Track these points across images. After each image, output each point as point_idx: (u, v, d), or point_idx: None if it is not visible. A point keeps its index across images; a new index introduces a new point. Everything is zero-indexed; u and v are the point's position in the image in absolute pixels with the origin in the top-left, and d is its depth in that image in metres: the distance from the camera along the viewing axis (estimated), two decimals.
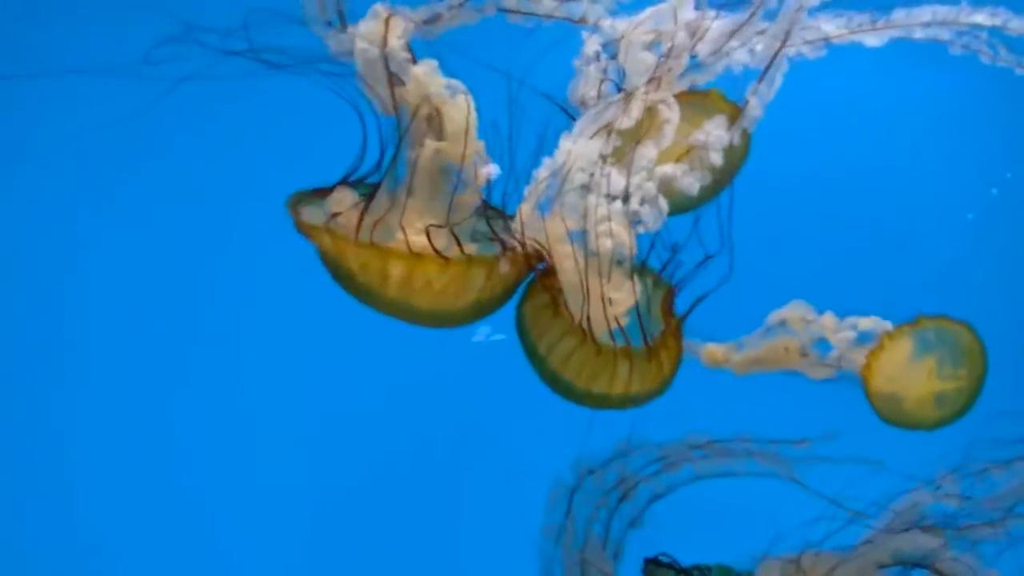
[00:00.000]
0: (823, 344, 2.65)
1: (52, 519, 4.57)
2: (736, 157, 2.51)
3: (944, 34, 2.44)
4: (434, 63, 2.30)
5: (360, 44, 2.27)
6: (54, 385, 4.56)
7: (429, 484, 4.61)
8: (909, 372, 2.63)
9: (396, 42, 2.27)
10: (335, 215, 2.34)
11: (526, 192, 2.34)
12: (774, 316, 2.68)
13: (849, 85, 3.84)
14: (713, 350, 2.69)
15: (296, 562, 4.64)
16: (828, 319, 2.64)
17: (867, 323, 2.63)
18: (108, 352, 4.55)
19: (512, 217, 2.40)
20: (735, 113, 2.36)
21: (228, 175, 4.26)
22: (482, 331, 2.53)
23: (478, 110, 2.33)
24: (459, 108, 2.33)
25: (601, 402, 2.42)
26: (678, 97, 2.39)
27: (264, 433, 4.59)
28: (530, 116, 2.38)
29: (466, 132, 2.31)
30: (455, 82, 2.31)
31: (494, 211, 2.48)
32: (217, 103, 3.68)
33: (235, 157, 4.20)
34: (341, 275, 2.33)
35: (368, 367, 4.24)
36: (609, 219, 2.30)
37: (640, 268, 2.49)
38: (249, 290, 4.41)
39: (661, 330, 2.43)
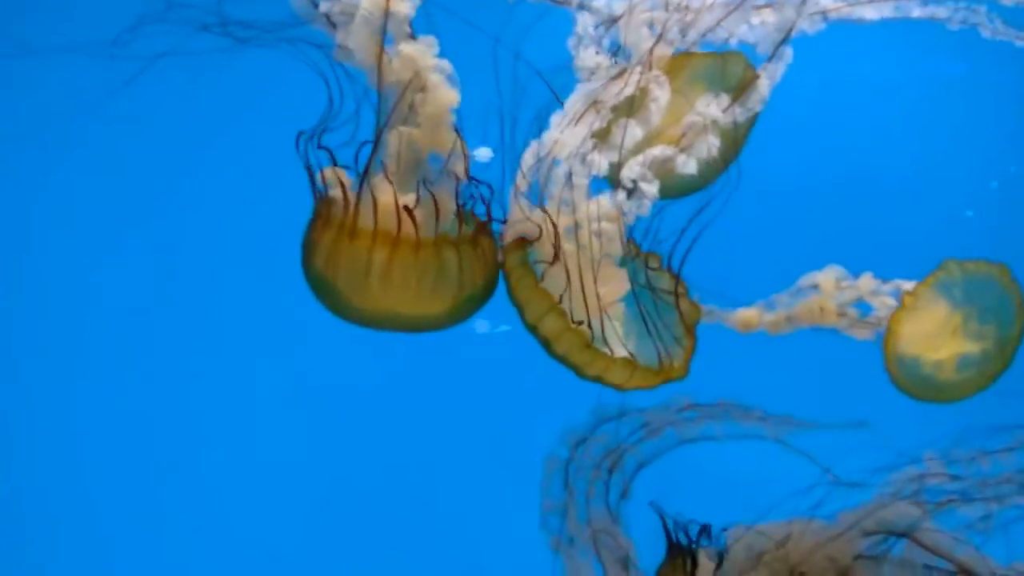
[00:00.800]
0: (862, 305, 2.58)
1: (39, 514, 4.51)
2: (740, 134, 2.46)
3: (941, 12, 2.40)
4: (432, 40, 2.22)
5: (362, 10, 2.18)
6: (31, 371, 4.46)
7: (432, 474, 4.60)
8: (931, 333, 2.52)
9: (403, 8, 2.18)
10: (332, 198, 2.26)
11: (515, 183, 2.29)
12: (807, 279, 2.61)
13: (851, 64, 3.81)
14: (747, 315, 2.61)
15: (296, 550, 4.62)
16: (865, 280, 2.57)
17: (909, 287, 2.52)
18: (90, 339, 4.46)
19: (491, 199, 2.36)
20: (752, 80, 2.31)
21: (208, 151, 4.17)
22: (481, 323, 2.47)
23: (470, 82, 2.26)
24: (441, 93, 2.26)
25: (598, 381, 2.38)
26: (696, 58, 2.33)
27: (253, 430, 4.54)
28: (526, 89, 2.31)
29: (447, 124, 2.25)
30: (445, 63, 2.23)
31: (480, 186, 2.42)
32: (195, 78, 3.58)
33: (215, 133, 4.10)
34: (324, 281, 2.26)
35: (366, 357, 4.18)
36: (599, 211, 2.27)
37: (639, 255, 2.45)
38: (242, 273, 4.32)
39: (682, 347, 2.40)
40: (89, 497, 4.52)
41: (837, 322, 2.57)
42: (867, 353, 2.56)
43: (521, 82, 2.29)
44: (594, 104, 2.30)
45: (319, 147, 2.27)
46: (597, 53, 2.36)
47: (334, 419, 4.56)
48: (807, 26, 2.35)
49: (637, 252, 2.47)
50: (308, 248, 2.28)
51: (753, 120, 2.45)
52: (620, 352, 2.33)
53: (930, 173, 4.20)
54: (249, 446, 4.55)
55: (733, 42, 2.36)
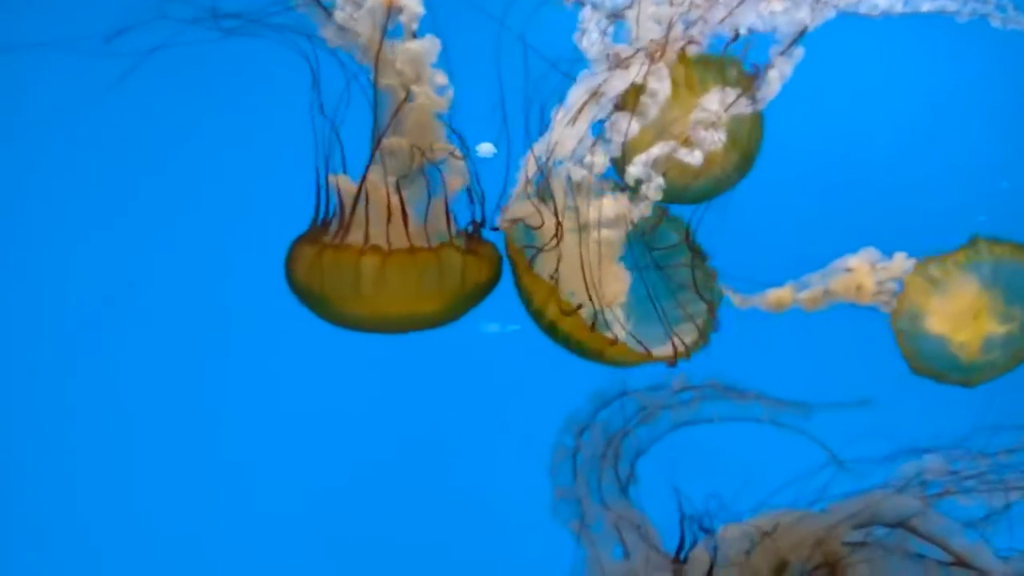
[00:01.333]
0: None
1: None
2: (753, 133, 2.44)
3: (951, 4, 2.37)
4: (435, 41, 2.19)
5: (369, 4, 2.18)
6: (28, 369, 4.44)
7: (443, 469, 4.63)
8: (956, 313, 2.46)
9: (411, 6, 2.17)
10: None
11: (518, 178, 2.29)
12: (841, 262, 2.55)
13: (858, 57, 3.77)
14: (780, 294, 2.55)
15: (317, 547, 4.68)
16: (899, 260, 2.51)
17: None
18: (88, 338, 4.44)
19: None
20: (748, 84, 2.29)
21: (208, 145, 4.14)
22: (491, 325, 2.47)
23: (474, 75, 2.25)
24: (434, 100, 2.24)
25: (597, 358, 2.38)
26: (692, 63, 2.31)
27: (262, 432, 4.55)
28: (530, 83, 2.29)
29: (440, 131, 2.26)
30: (439, 73, 2.22)
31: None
32: (191, 71, 3.55)
33: (213, 127, 4.07)
34: (309, 290, 2.27)
35: (378, 357, 4.17)
36: (600, 208, 2.27)
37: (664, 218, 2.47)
38: (247, 270, 4.30)
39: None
40: (87, 497, 4.53)
41: (874, 299, 2.51)
42: (879, 339, 2.55)
43: (527, 77, 2.28)
44: (595, 96, 2.28)
45: (331, 133, 2.27)
46: (605, 44, 2.34)
47: (346, 420, 4.57)
48: (818, 18, 2.32)
49: (663, 214, 2.49)
50: (291, 260, 2.28)
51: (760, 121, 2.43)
52: (623, 336, 2.33)
53: (938, 166, 4.18)
54: (261, 449, 4.57)
55: (743, 32, 2.33)
